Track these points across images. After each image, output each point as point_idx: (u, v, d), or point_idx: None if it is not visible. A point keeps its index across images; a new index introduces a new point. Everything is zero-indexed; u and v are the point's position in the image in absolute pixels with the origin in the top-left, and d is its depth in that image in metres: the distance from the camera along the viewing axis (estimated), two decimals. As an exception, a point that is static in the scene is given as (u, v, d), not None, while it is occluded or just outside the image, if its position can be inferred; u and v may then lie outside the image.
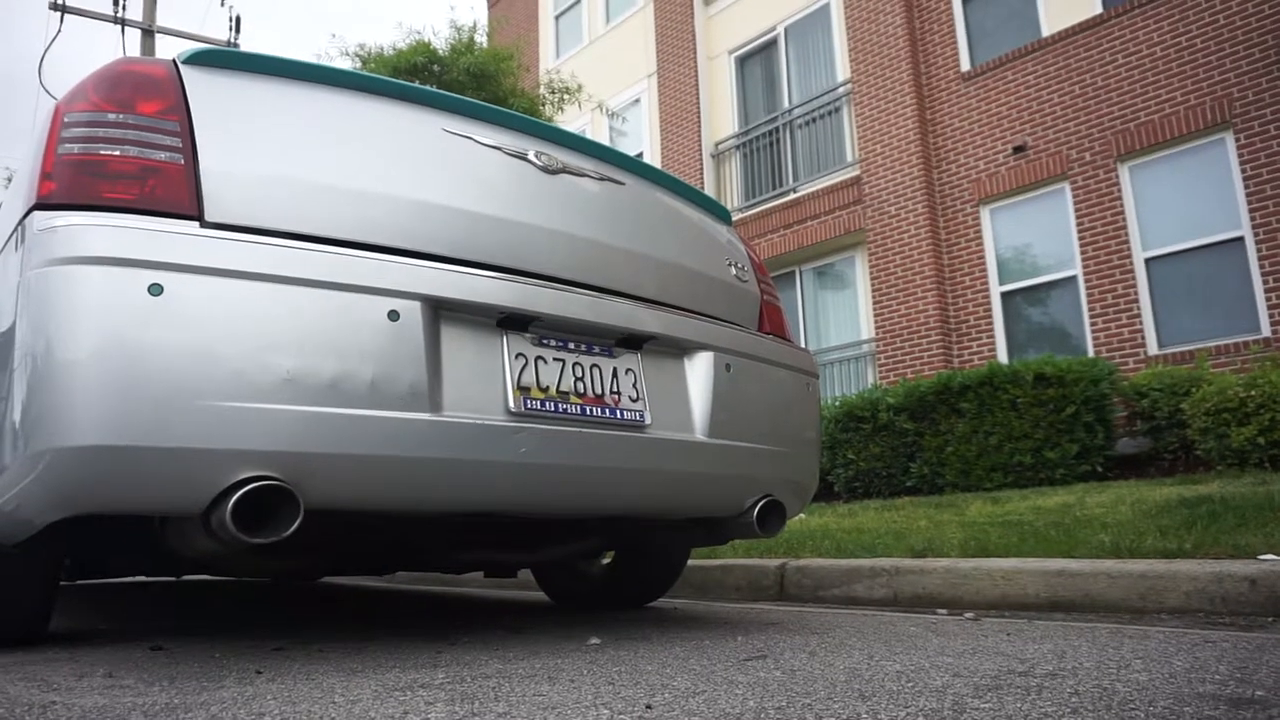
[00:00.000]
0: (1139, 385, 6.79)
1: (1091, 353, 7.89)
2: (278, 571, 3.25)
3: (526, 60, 12.66)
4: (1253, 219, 7.23)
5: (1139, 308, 7.80)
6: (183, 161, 1.59)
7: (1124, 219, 7.99)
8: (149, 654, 1.92)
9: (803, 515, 5.12)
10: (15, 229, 1.59)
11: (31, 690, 1.47)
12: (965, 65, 9.41)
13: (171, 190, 1.56)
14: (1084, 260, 8.20)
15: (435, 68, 9.95)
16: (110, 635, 2.36)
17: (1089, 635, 2.03)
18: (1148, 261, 7.84)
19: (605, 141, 11.77)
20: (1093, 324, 8.06)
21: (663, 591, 3.05)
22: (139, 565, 2.77)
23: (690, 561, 3.27)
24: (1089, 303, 8.12)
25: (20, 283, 1.48)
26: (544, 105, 11.00)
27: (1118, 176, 8.07)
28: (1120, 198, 8.03)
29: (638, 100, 13.35)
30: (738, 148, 11.84)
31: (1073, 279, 8.32)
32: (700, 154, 11.95)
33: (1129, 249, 7.92)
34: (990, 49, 9.26)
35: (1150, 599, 2.45)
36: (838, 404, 7.91)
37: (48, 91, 13.69)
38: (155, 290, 1.44)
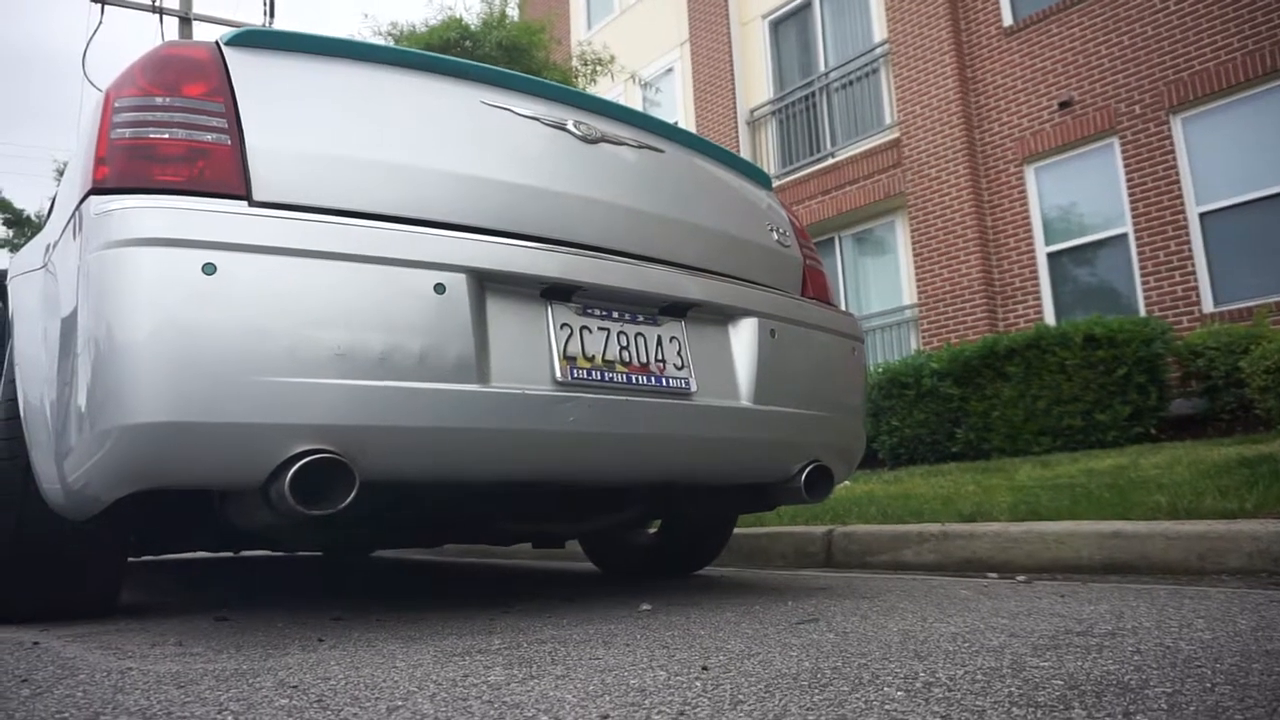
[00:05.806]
0: (1194, 344, 6.60)
1: (1143, 312, 7.68)
2: (333, 543, 3.33)
3: (558, 33, 12.57)
4: (1314, 168, 6.95)
5: (1193, 264, 7.56)
6: (229, 142, 1.61)
7: (1176, 173, 7.73)
8: (215, 624, 1.98)
9: (848, 482, 5.09)
10: (72, 215, 1.63)
11: (109, 658, 1.52)
12: (1008, 19, 9.13)
13: (220, 171, 1.59)
14: (1134, 217, 7.96)
15: (467, 43, 9.95)
16: (177, 607, 2.44)
17: (1147, 596, 2.00)
18: (1202, 216, 7.59)
19: (639, 112, 11.66)
20: (1144, 282, 7.84)
21: (710, 559, 3.06)
22: (199, 541, 2.86)
23: (735, 530, 3.28)
24: (1140, 261, 7.90)
25: (80, 266, 1.52)
26: (577, 77, 10.95)
27: (1169, 129, 7.80)
28: (1172, 151, 7.77)
29: (670, 69, 13.20)
30: (773, 114, 11.66)
31: (1123, 237, 8.09)
32: (735, 121, 11.80)
33: (1182, 204, 7.67)
34: (1034, 1, 8.96)
35: (1210, 560, 2.40)
36: (881, 371, 7.82)
37: (92, 83, 13.97)
38: (209, 269, 1.47)
